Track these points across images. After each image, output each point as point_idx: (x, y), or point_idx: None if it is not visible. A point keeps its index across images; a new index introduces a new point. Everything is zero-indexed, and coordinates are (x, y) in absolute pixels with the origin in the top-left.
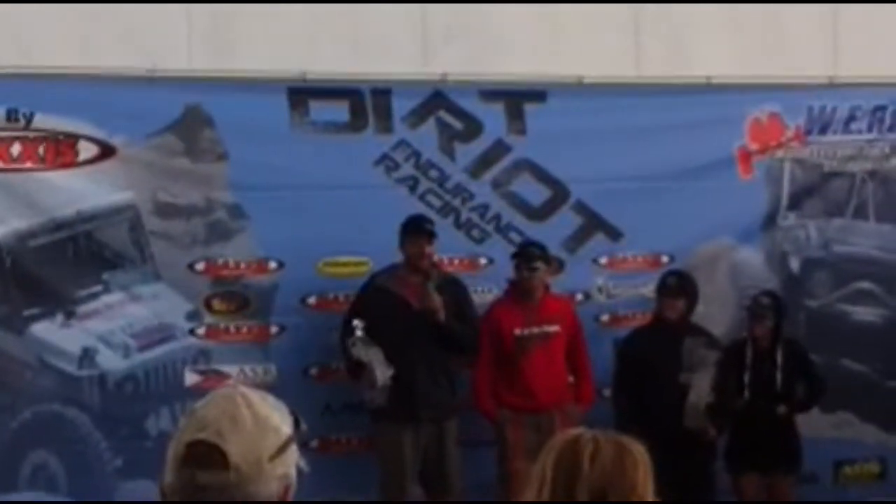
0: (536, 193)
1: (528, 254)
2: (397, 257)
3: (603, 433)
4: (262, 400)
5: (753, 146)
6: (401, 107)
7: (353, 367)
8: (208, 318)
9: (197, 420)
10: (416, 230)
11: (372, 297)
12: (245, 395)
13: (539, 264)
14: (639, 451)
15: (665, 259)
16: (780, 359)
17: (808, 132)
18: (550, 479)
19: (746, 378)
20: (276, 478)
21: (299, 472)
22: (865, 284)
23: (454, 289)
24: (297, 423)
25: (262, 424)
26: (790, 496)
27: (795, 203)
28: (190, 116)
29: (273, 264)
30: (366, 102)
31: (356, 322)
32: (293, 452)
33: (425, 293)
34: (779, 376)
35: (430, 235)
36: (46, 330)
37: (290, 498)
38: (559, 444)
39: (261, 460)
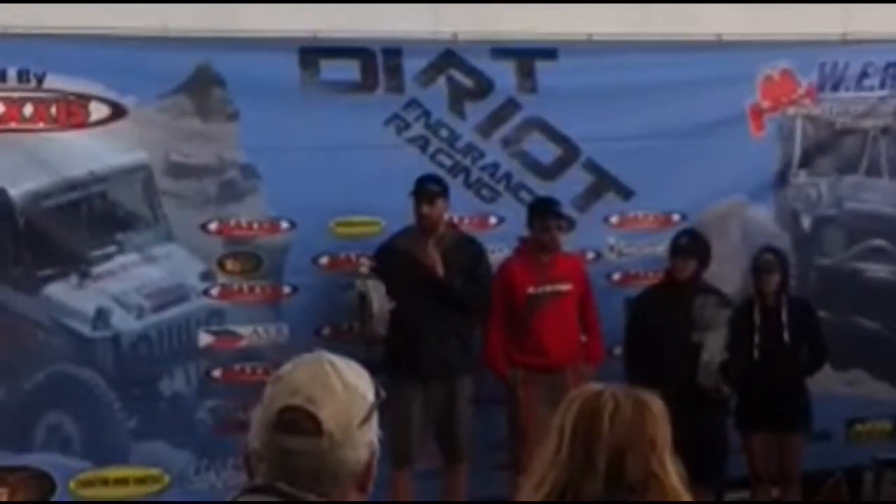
0: (547, 152)
1: (551, 208)
2: (408, 217)
3: (622, 389)
4: (349, 367)
5: (765, 103)
6: (411, 66)
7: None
8: (221, 279)
9: (286, 385)
10: (416, 191)
11: (388, 258)
12: (332, 361)
13: (562, 219)
14: (658, 407)
15: (676, 217)
16: (784, 316)
17: (821, 89)
18: (569, 437)
19: (756, 337)
20: (364, 444)
21: None
22: (878, 242)
23: (468, 248)
24: (377, 392)
25: (350, 391)
26: (800, 454)
27: (807, 160)
28: (201, 76)
29: (285, 224)
30: (376, 62)
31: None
32: (375, 420)
33: (424, 250)
34: (786, 335)
35: (431, 196)
36: (60, 291)
37: (376, 464)
38: (579, 402)
39: (351, 426)
